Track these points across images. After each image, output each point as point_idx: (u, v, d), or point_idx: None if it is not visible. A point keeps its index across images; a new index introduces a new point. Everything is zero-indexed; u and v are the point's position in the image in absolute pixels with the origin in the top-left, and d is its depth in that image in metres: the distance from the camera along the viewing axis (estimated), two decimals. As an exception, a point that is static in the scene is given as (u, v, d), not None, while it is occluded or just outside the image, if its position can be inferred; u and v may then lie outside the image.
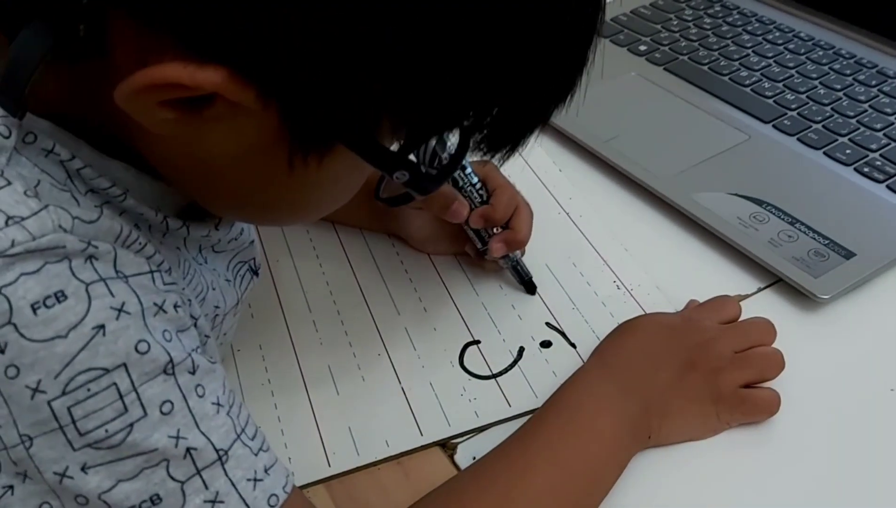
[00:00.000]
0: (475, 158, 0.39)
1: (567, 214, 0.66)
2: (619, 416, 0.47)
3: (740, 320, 0.54)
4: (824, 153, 0.68)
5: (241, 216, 0.45)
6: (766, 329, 0.52)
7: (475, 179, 0.57)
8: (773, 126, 0.72)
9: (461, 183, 0.57)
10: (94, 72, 0.32)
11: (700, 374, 0.49)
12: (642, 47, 0.84)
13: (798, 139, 0.70)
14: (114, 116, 0.32)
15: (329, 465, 0.49)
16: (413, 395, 0.53)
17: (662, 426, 0.48)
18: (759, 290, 0.59)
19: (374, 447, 0.49)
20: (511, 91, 0.34)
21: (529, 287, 0.59)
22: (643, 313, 0.57)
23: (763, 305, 0.57)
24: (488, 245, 0.57)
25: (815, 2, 0.86)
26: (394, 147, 0.36)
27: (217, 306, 0.45)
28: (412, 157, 0.37)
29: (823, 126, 0.71)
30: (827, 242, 0.59)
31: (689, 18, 0.88)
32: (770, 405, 0.49)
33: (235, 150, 0.34)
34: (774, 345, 0.52)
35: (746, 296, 0.58)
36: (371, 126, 0.34)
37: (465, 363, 0.55)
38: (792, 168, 0.68)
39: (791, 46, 0.82)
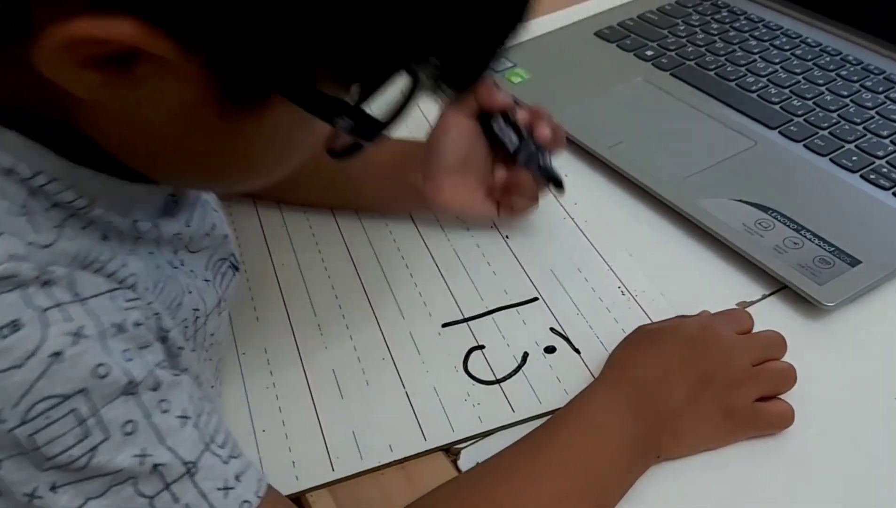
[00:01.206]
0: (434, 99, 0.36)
1: (572, 219, 0.66)
2: (632, 436, 0.46)
3: (753, 331, 0.53)
4: (831, 160, 0.68)
5: (190, 182, 0.43)
6: (778, 342, 0.52)
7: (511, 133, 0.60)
8: (780, 132, 0.72)
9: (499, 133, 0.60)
10: (25, 54, 0.31)
11: (715, 390, 0.48)
12: (649, 52, 0.83)
13: (804, 146, 0.70)
14: (54, 98, 0.31)
15: (333, 469, 0.49)
16: (417, 400, 0.53)
17: (672, 447, 0.48)
18: (764, 297, 0.58)
19: (378, 451, 0.50)
20: (448, 32, 0.32)
21: (558, 184, 0.61)
22: (648, 318, 0.57)
23: (767, 312, 0.57)
24: (528, 136, 0.60)
25: (822, 7, 0.86)
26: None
27: (196, 309, 0.44)
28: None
29: (830, 133, 0.71)
30: (832, 249, 0.59)
31: (696, 24, 0.88)
32: (784, 419, 0.49)
33: (169, 109, 0.33)
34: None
35: (751, 303, 0.58)
36: (304, 72, 0.32)
37: (470, 369, 0.55)
38: (798, 175, 0.67)
39: (798, 52, 0.82)
